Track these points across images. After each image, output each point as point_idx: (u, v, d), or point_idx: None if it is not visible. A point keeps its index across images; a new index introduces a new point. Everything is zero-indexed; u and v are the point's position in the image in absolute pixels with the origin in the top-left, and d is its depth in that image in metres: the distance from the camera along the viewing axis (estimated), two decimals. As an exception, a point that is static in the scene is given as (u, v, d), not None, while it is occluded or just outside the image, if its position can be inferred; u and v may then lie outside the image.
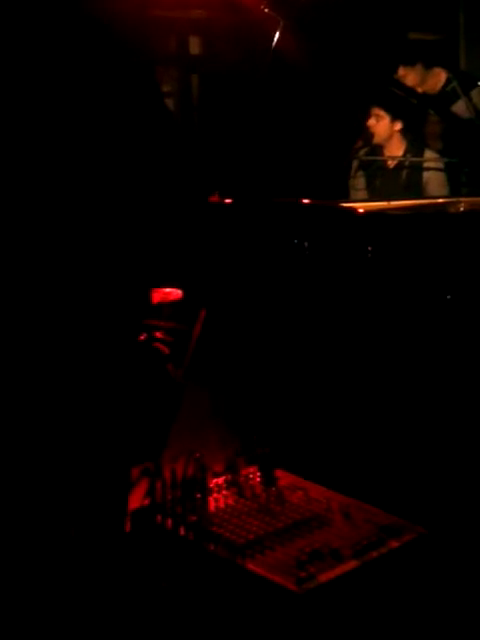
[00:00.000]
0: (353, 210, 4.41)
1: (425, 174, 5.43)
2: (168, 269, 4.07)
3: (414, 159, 5.42)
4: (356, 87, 5.20)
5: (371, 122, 5.31)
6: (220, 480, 3.15)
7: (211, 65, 6.12)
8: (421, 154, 5.46)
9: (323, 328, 3.85)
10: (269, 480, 3.15)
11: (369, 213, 4.33)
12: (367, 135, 5.37)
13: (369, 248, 3.87)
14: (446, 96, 5.31)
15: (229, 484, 3.13)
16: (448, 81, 5.35)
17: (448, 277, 3.75)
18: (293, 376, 3.70)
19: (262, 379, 3.77)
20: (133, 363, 3.73)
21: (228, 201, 4.47)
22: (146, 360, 3.94)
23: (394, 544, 2.81)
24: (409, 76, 5.30)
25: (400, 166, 5.48)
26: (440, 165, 5.39)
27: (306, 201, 4.18)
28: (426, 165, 5.42)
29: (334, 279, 3.95)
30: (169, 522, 2.94)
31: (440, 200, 5.02)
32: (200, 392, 3.93)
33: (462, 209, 4.74)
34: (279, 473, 3.20)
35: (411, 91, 4.97)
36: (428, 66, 5.37)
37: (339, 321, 3.85)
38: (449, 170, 5.37)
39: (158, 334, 3.98)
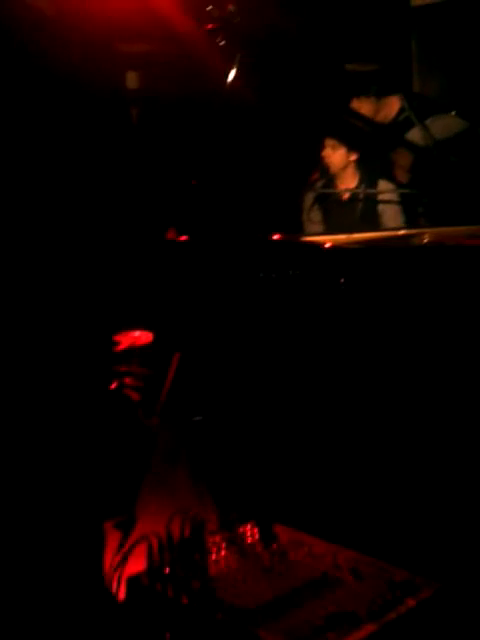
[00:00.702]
0: (320, 245, 4.23)
1: (380, 206, 5.26)
2: (134, 312, 3.83)
3: (369, 191, 5.25)
4: (308, 119, 5.05)
5: (327, 152, 5.13)
6: (217, 538, 2.90)
7: (153, 100, 5.89)
8: (375, 185, 5.29)
9: (300, 366, 3.64)
10: (268, 537, 2.91)
11: (337, 248, 4.15)
12: (323, 166, 5.17)
13: (340, 283, 3.67)
14: (400, 125, 5.14)
15: (227, 543, 2.88)
16: (402, 109, 5.19)
17: (420, 311, 3.58)
18: (278, 421, 3.47)
19: (243, 425, 3.53)
20: (102, 412, 3.47)
21: (183, 238, 4.25)
22: (116, 408, 3.68)
23: (411, 602, 2.60)
24: (363, 107, 5.13)
25: (355, 198, 5.30)
26: (396, 196, 5.22)
27: (275, 237, 3.98)
28: (381, 197, 5.24)
29: (306, 316, 3.75)
30: (169, 589, 2.67)
31: (401, 232, 4.86)
32: (175, 440, 3.68)
33: (426, 241, 4.58)
34: (277, 528, 2.96)
35: (366, 120, 4.80)
36: (380, 95, 5.21)
37: (317, 359, 3.65)
38: (405, 201, 5.21)
39: (128, 380, 3.72)
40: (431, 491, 3.05)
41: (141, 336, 3.76)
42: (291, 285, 3.83)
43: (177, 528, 2.80)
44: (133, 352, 3.74)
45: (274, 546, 2.89)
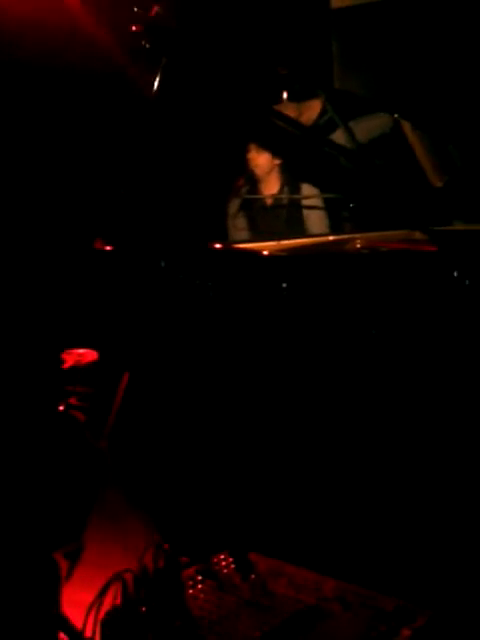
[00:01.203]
0: (257, 252, 4.06)
1: (305, 211, 5.11)
2: (76, 327, 3.58)
3: (293, 196, 5.09)
4: (233, 123, 4.87)
5: (251, 157, 4.95)
6: (190, 571, 2.69)
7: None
8: (298, 190, 5.14)
9: (255, 378, 3.47)
10: (245, 567, 2.71)
11: (277, 256, 3.99)
12: (248, 172, 4.99)
13: (282, 291, 3.52)
14: (322, 128, 4.99)
15: (203, 575, 2.67)
16: (323, 111, 5.03)
17: (363, 318, 3.45)
18: (240, 438, 3.28)
19: (201, 444, 3.33)
20: (48, 434, 3.23)
21: (109, 248, 4.03)
22: (61, 429, 3.43)
23: (406, 632, 2.44)
24: (286, 110, 4.96)
25: (279, 203, 5.14)
26: (320, 201, 5.08)
27: (217, 246, 3.80)
28: (305, 202, 5.10)
29: (250, 326, 3.58)
30: (149, 633, 2.45)
31: (331, 238, 4.72)
32: (125, 463, 3.45)
33: (359, 246, 4.45)
34: (253, 557, 2.77)
35: (290, 122, 4.62)
36: (302, 98, 5.05)
37: (270, 370, 3.48)
38: (329, 206, 5.07)
39: (73, 400, 3.48)
40: (413, 512, 2.91)
41: (86, 354, 3.52)
42: (232, 295, 3.65)
43: (150, 562, 2.57)
44: (78, 370, 3.49)
45: (252, 577, 2.70)
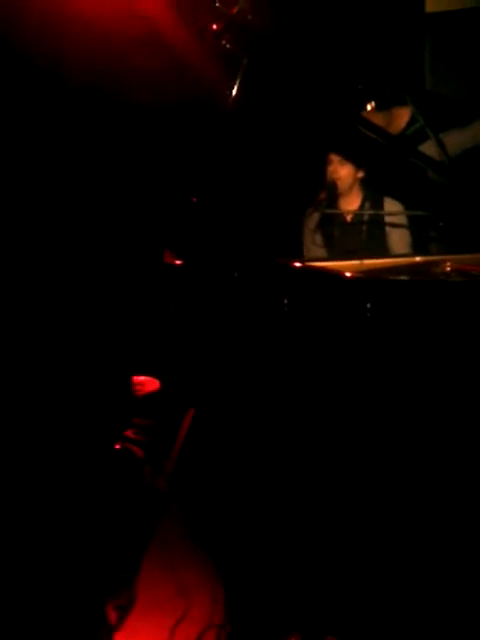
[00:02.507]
0: (339, 274, 3.54)
1: (387, 229, 4.57)
2: (139, 352, 3.08)
3: (376, 212, 4.55)
4: (316, 132, 4.35)
5: (333, 169, 4.42)
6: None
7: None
8: (380, 205, 4.60)
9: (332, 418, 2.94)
10: None
11: (362, 278, 3.47)
12: (328, 185, 4.47)
13: (367, 316, 3.00)
14: (410, 138, 4.43)
15: None
16: (412, 120, 4.47)
17: (450, 345, 2.92)
18: (324, 492, 2.74)
19: (275, 498, 2.80)
20: (103, 471, 2.74)
21: (178, 262, 3.55)
22: (118, 466, 2.94)
23: None
24: (373, 119, 4.41)
25: (359, 220, 4.61)
26: (404, 219, 4.54)
27: (297, 264, 3.29)
28: (388, 219, 4.55)
29: (331, 354, 3.06)
30: None
31: (418, 259, 4.17)
32: (187, 508, 2.94)
33: (449, 269, 3.91)
34: None
35: (379, 130, 4.08)
36: (391, 106, 4.50)
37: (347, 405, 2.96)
38: (413, 224, 4.53)
39: (131, 434, 2.98)
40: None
41: (146, 382, 3.02)
42: (311, 318, 3.13)
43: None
44: (137, 401, 2.99)
45: None
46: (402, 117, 4.50)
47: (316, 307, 3.19)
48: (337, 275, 3.56)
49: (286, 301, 3.21)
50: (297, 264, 3.34)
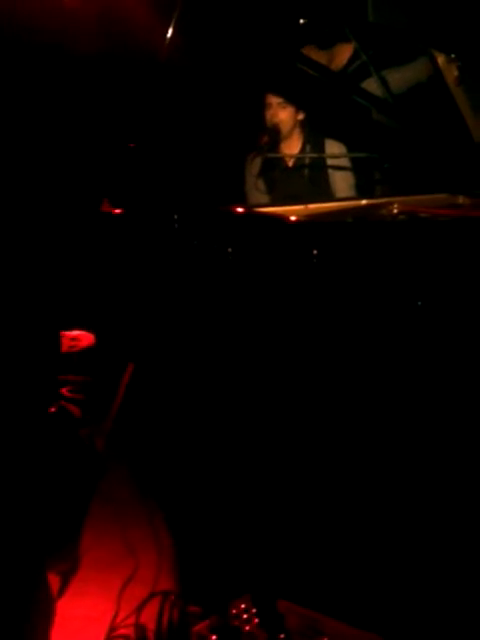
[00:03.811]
0: (284, 218, 3.30)
1: (330, 172, 4.31)
2: (72, 305, 2.81)
3: (318, 155, 4.29)
4: (254, 73, 4.06)
5: (273, 111, 4.15)
6: (202, 627, 1.93)
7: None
8: (322, 148, 4.33)
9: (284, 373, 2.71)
10: (272, 620, 1.94)
11: (304, 222, 3.24)
12: (270, 128, 4.19)
13: (312, 263, 2.77)
14: (352, 75, 4.15)
15: (218, 634, 1.91)
16: (354, 56, 4.19)
17: (399, 291, 2.71)
18: (266, 446, 2.50)
19: (215, 454, 2.55)
20: (36, 432, 2.48)
21: (116, 210, 3.29)
22: (52, 426, 2.68)
23: None
24: (312, 56, 4.13)
25: (301, 163, 4.34)
26: (347, 161, 4.28)
27: (239, 209, 3.04)
28: (331, 162, 4.30)
29: (273, 302, 2.83)
30: None
31: (364, 202, 3.93)
32: (125, 469, 2.70)
33: (396, 211, 3.68)
34: (282, 606, 2.00)
35: (319, 67, 3.78)
36: (331, 42, 4.21)
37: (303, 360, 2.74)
38: (357, 166, 4.27)
39: (66, 391, 2.71)
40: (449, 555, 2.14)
41: (81, 337, 2.75)
42: (255, 266, 2.90)
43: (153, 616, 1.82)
44: (71, 357, 2.73)
45: (282, 636, 1.93)
46: (344, 53, 4.23)
47: (261, 253, 2.95)
48: (281, 220, 3.31)
49: (230, 249, 2.97)
50: (240, 210, 3.08)
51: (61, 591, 2.71)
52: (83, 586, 2.84)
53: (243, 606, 2.03)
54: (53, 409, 2.52)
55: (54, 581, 2.67)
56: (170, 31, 3.44)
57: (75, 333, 2.80)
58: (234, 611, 2.03)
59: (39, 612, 2.41)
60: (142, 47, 3.81)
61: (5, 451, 2.47)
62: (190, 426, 2.77)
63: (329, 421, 2.62)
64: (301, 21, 3.80)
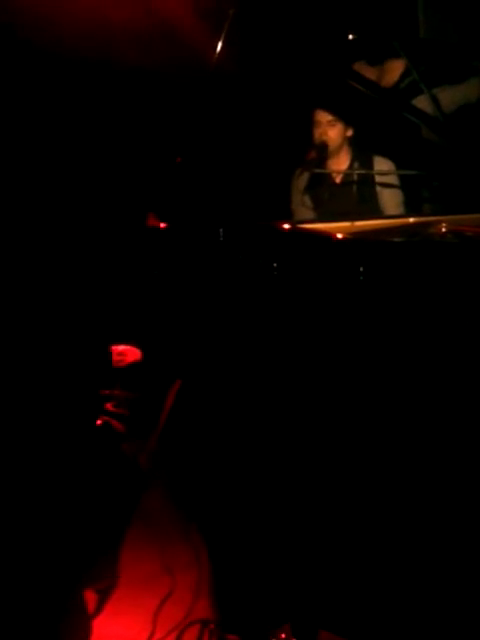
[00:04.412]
0: (330, 236, 3.22)
1: (378, 189, 4.23)
2: (120, 320, 2.76)
3: (365, 171, 4.21)
4: (304, 89, 4.00)
5: (323, 128, 4.08)
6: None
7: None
8: (370, 165, 4.26)
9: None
10: None
11: (350, 240, 3.16)
12: (318, 144, 4.12)
13: (359, 280, 2.69)
14: (403, 92, 4.07)
15: None
16: (405, 73, 4.11)
17: (445, 313, 2.62)
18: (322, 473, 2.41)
19: (267, 478, 2.47)
20: (79, 448, 2.43)
21: (163, 225, 3.24)
22: (96, 442, 2.62)
23: None
24: (364, 73, 4.06)
25: (349, 180, 4.27)
26: (395, 179, 4.20)
27: (286, 226, 2.98)
28: (379, 179, 4.21)
29: (320, 319, 2.76)
30: None
31: (411, 220, 3.84)
32: (170, 487, 2.64)
33: (445, 230, 3.59)
34: (323, 637, 1.91)
35: (369, 83, 3.71)
36: (382, 59, 4.13)
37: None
38: (406, 184, 4.19)
39: (109, 406, 2.66)
40: None
41: (127, 352, 2.69)
42: (303, 282, 2.83)
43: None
44: (117, 372, 2.67)
45: None
46: (395, 71, 4.15)
47: (306, 270, 2.88)
48: (328, 237, 3.24)
49: (275, 265, 2.90)
50: (286, 226, 3.01)
51: (97, 609, 2.65)
52: (118, 605, 2.78)
53: (283, 636, 1.94)
54: (97, 423, 2.46)
55: (90, 598, 2.61)
56: (220, 44, 3.39)
57: (122, 348, 2.74)
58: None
59: (74, 629, 2.36)
60: (191, 60, 3.77)
61: (48, 465, 2.42)
62: (235, 446, 2.70)
63: (380, 447, 2.54)
64: (351, 37, 3.72)
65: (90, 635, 2.21)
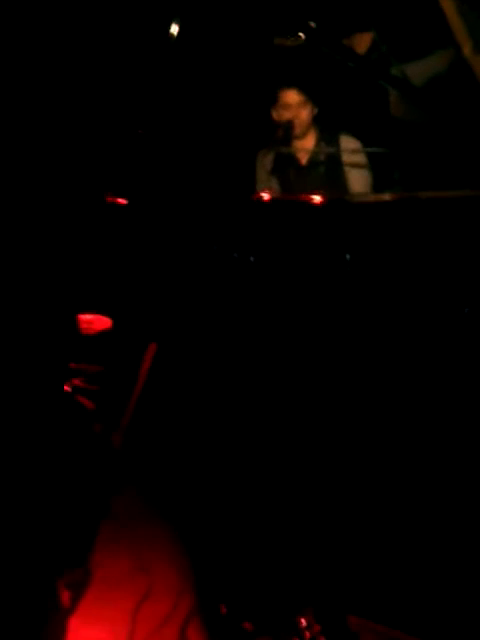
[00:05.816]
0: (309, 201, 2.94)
1: (346, 169, 3.93)
2: (86, 288, 2.40)
3: (332, 150, 3.91)
4: (269, 64, 3.71)
5: (284, 107, 3.77)
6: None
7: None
8: (336, 143, 3.95)
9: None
10: (341, 637, 1.51)
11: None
12: (285, 122, 3.81)
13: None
14: (371, 66, 3.78)
15: None
16: (374, 46, 3.83)
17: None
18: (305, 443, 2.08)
19: (245, 448, 2.13)
20: (46, 426, 2.08)
21: (122, 201, 2.94)
22: (63, 420, 2.26)
23: None
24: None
25: (315, 161, 3.96)
26: (363, 157, 3.91)
27: (265, 196, 2.71)
28: (346, 158, 3.91)
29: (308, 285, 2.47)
30: None
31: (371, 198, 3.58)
32: (145, 466, 2.28)
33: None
34: (353, 622, 1.56)
35: (351, 53, 3.41)
36: (348, 31, 3.85)
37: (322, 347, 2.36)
38: (375, 164, 3.90)
39: (78, 381, 2.29)
40: None
41: (95, 320, 2.33)
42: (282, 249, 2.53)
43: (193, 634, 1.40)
44: (85, 342, 2.31)
45: None
46: (364, 42, 3.87)
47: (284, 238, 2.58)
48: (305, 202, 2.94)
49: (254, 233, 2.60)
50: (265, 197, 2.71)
51: (71, 609, 2.29)
52: (95, 605, 2.41)
53: (305, 622, 1.60)
54: (65, 400, 2.10)
55: (63, 597, 2.25)
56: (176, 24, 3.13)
57: (89, 316, 2.38)
58: (294, 629, 1.60)
59: (51, 627, 2.02)
60: (151, 39, 3.49)
61: (10, 449, 2.08)
62: (212, 432, 2.37)
63: (366, 424, 2.23)
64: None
65: (66, 636, 1.85)
